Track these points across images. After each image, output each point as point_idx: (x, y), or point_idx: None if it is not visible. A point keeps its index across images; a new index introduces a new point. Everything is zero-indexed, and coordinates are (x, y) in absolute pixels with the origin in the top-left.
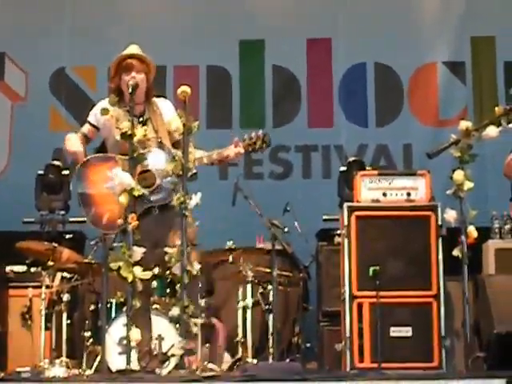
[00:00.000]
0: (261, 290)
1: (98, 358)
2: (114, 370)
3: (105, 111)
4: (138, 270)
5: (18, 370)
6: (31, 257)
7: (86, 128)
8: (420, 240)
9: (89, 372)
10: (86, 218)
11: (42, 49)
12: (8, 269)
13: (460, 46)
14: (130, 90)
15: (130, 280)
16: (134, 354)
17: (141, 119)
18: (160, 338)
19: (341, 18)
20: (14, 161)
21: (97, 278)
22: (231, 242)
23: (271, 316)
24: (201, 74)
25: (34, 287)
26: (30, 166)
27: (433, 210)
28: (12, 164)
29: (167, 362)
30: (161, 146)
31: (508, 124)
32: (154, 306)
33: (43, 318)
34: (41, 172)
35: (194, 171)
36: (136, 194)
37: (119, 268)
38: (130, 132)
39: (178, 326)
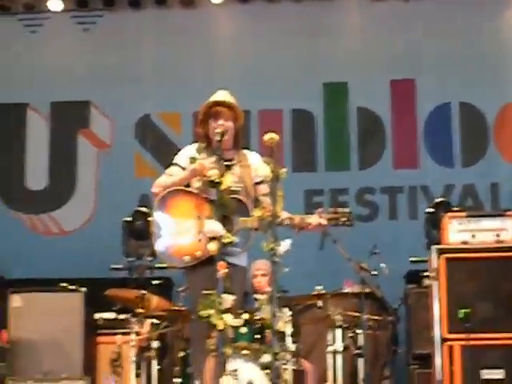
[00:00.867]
0: (350, 334)
1: None
2: None
3: (192, 160)
4: (228, 317)
5: None
6: (120, 304)
7: (174, 171)
8: (510, 281)
9: None
10: (155, 243)
11: (127, 96)
12: (97, 316)
13: None
14: (218, 138)
15: (220, 327)
16: None
17: (228, 164)
18: None
19: (424, 58)
20: (100, 207)
21: (186, 325)
22: (320, 287)
23: (361, 360)
24: (285, 117)
25: (123, 334)
26: (117, 213)
27: None
28: (99, 211)
29: None
30: (246, 193)
31: None
32: (243, 352)
33: (133, 364)
34: (128, 218)
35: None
36: (226, 241)
37: (209, 315)
38: (217, 180)
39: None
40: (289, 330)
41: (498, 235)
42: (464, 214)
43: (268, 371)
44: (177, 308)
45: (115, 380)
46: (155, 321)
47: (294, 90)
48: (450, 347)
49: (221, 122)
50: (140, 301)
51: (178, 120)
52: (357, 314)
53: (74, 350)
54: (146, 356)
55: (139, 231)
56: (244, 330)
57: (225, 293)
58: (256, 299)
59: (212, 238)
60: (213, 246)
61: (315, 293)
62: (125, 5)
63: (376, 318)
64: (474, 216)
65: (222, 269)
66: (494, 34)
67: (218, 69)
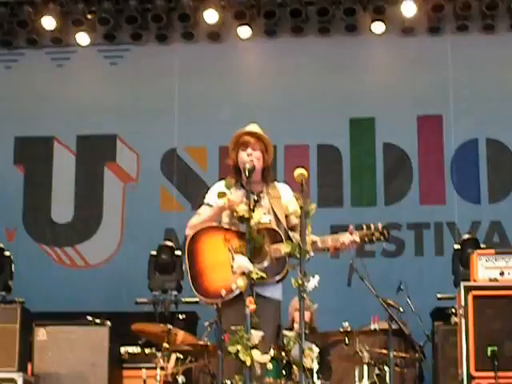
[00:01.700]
0: (377, 372)
1: None
2: None
3: (221, 195)
4: (256, 353)
5: None
6: (146, 338)
7: (206, 211)
8: None
9: None
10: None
11: (153, 130)
12: (123, 350)
13: None
14: (247, 174)
15: (248, 364)
16: None
17: (256, 198)
18: None
19: (451, 94)
20: (126, 241)
21: (212, 360)
22: (347, 324)
23: None
24: (311, 152)
25: (148, 368)
26: (142, 247)
27: None
28: (124, 244)
29: None
30: (278, 224)
31: None
32: None
33: None
34: (153, 252)
35: (312, 254)
36: (254, 276)
37: (237, 351)
38: (247, 215)
39: None
40: (316, 366)
41: None
42: (492, 251)
43: None
44: (202, 343)
45: None
46: (180, 355)
47: (320, 125)
48: None
49: (250, 151)
50: (166, 335)
51: (204, 154)
52: (384, 351)
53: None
54: None
55: (165, 265)
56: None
57: (253, 328)
58: (284, 335)
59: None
60: (241, 282)
61: (343, 329)
62: (152, 39)
63: (403, 355)
64: (502, 253)
65: (250, 304)
66: None
67: (244, 103)
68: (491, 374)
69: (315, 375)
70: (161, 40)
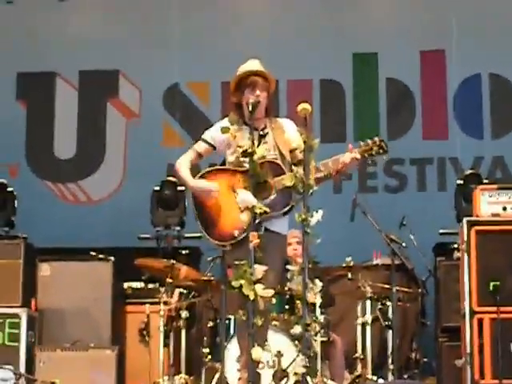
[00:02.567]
0: (379, 306)
1: (217, 375)
2: None
3: (225, 129)
4: (259, 288)
5: None
6: (149, 273)
7: (201, 147)
8: None
9: None
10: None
11: (156, 65)
12: (126, 285)
13: None
14: (251, 109)
15: (251, 298)
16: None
17: (261, 133)
18: (279, 355)
19: (454, 29)
20: (128, 177)
21: (215, 295)
22: (349, 258)
23: (390, 332)
24: (314, 87)
25: (151, 303)
26: (145, 182)
27: None
28: (127, 180)
29: (286, 379)
30: (283, 160)
31: None
32: (273, 323)
33: (161, 334)
34: (156, 188)
35: (315, 188)
36: (258, 211)
37: (241, 286)
38: (250, 150)
39: (297, 343)
40: (319, 301)
41: None
42: (495, 186)
43: (297, 342)
44: (206, 278)
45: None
46: (184, 290)
47: (323, 60)
48: (480, 320)
49: (258, 92)
50: (169, 270)
51: (206, 89)
52: (387, 286)
53: (102, 319)
54: (174, 326)
55: (167, 201)
56: (273, 300)
57: (256, 263)
58: (288, 270)
59: (245, 209)
60: (245, 217)
61: (345, 264)
62: None
63: (406, 290)
64: (505, 188)
65: (254, 239)
66: None
67: (246, 38)
68: (493, 308)
69: (318, 310)
70: None
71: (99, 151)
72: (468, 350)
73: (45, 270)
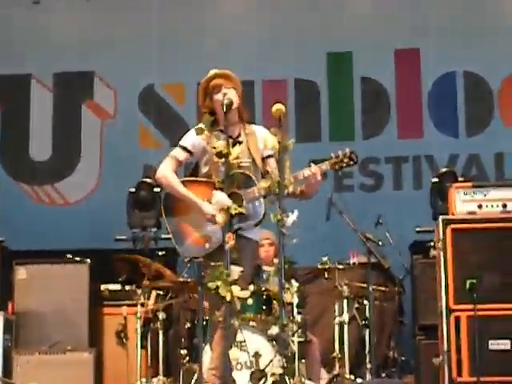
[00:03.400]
0: (356, 306)
1: (195, 377)
2: None
3: (200, 130)
4: (236, 289)
5: None
6: (126, 273)
7: (182, 155)
8: None
9: None
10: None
11: (131, 66)
12: (103, 287)
13: None
14: (225, 108)
15: (228, 299)
16: (232, 373)
17: (236, 140)
18: (257, 356)
19: (428, 27)
20: (104, 178)
21: (192, 296)
22: (326, 258)
23: (367, 331)
24: (289, 87)
25: (128, 305)
26: (121, 184)
27: None
28: (103, 182)
29: (264, 379)
30: (255, 168)
31: None
32: (250, 324)
33: (139, 336)
34: (132, 189)
35: (291, 190)
36: (233, 212)
37: (217, 287)
38: (225, 151)
39: (275, 343)
40: (296, 301)
41: (504, 205)
42: (470, 184)
43: (274, 342)
44: (183, 279)
45: None
46: (161, 292)
47: (297, 59)
48: (457, 318)
49: (225, 90)
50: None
51: (182, 91)
52: (363, 285)
53: (79, 321)
54: (151, 327)
55: (144, 202)
56: (250, 301)
57: (232, 264)
58: (264, 271)
59: (220, 210)
60: (220, 218)
61: (322, 264)
62: None
63: (382, 288)
64: (480, 186)
65: (229, 241)
66: (497, 2)
67: (220, 39)
68: (470, 306)
69: (295, 310)
70: None
71: (75, 153)
72: (445, 348)
73: (21, 273)
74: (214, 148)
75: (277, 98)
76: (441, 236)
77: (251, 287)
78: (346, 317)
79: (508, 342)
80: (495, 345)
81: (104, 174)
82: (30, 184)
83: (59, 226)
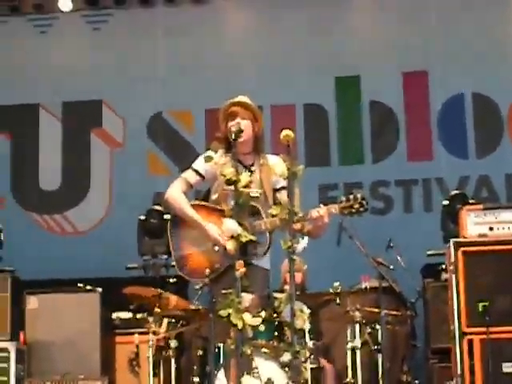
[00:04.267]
0: (369, 330)
1: None
2: None
3: (208, 158)
4: (247, 316)
5: None
6: (137, 303)
7: (193, 178)
8: None
9: None
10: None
11: (139, 94)
12: (114, 316)
13: None
14: (233, 136)
15: (239, 327)
16: None
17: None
18: (270, 382)
19: (436, 49)
20: (114, 206)
21: (204, 323)
22: (337, 283)
23: (380, 356)
24: (297, 112)
25: (140, 333)
26: (131, 211)
27: None
28: (113, 210)
29: None
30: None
31: None
32: (262, 350)
33: (151, 364)
34: (142, 217)
35: (300, 215)
36: (243, 239)
37: (229, 315)
38: (234, 178)
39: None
40: (308, 327)
41: None
42: (481, 206)
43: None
44: (194, 307)
45: None
46: (172, 320)
47: (306, 84)
48: (470, 341)
49: (237, 119)
50: (157, 300)
51: (189, 117)
52: (375, 310)
53: (91, 350)
54: (163, 355)
55: (154, 229)
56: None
57: (243, 291)
58: (275, 298)
59: (230, 237)
60: (231, 245)
61: (333, 289)
62: (135, 3)
63: (394, 312)
64: (491, 208)
65: (240, 268)
66: (507, 23)
67: (229, 65)
68: (483, 329)
69: (307, 336)
70: (144, 3)
71: (84, 181)
72: (459, 371)
73: (32, 302)
74: (224, 176)
75: (285, 122)
76: (452, 259)
77: (263, 313)
78: (358, 342)
79: None
80: (509, 367)
81: (114, 202)
82: (40, 213)
83: (70, 255)
